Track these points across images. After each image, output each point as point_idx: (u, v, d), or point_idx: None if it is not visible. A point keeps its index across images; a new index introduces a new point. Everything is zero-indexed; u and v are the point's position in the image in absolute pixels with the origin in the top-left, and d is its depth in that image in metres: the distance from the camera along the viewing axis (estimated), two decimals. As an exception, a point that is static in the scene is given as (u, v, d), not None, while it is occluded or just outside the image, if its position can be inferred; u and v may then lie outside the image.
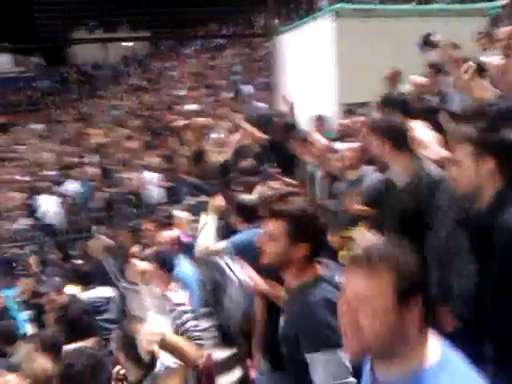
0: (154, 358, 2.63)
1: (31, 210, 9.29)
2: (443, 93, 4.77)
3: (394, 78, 5.66)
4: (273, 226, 1.89)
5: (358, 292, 1.19)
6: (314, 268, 1.92)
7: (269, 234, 1.89)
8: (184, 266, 4.32)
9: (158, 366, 2.65)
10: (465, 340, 1.95)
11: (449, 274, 2.41)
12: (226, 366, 4.36)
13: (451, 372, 1.15)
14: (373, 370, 1.28)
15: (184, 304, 3.70)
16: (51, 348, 3.00)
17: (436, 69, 4.90)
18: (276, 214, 1.89)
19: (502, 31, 4.61)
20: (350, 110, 6.16)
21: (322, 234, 1.99)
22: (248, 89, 9.20)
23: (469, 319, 2.27)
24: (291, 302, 1.93)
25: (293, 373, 1.93)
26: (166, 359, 2.72)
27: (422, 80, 4.76)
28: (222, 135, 8.68)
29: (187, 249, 4.80)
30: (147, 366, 2.62)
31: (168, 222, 5.16)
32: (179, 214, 5.72)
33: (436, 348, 1.20)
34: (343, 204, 3.70)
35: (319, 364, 1.73)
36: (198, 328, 3.57)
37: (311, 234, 1.90)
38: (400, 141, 2.86)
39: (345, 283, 1.24)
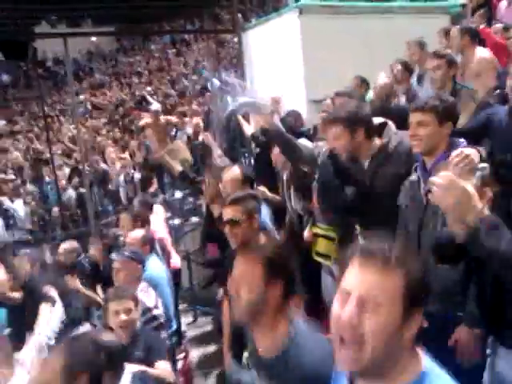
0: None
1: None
2: (411, 90, 4.90)
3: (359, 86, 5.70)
4: (245, 272, 1.74)
5: (367, 293, 1.09)
6: (288, 319, 1.76)
7: (241, 281, 1.74)
8: (154, 266, 4.28)
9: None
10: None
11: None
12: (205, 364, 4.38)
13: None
14: None
15: (156, 307, 3.67)
16: None
17: (404, 66, 5.01)
18: (250, 257, 1.77)
19: (452, 31, 5.02)
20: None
21: (294, 270, 1.83)
22: (217, 83, 9.17)
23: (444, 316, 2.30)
24: (278, 368, 1.69)
25: None
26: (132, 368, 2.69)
27: (384, 81, 4.85)
28: (190, 132, 8.62)
29: (157, 247, 4.78)
30: None
31: (145, 217, 5.14)
32: (157, 208, 5.66)
33: (421, 361, 1.16)
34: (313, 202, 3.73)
35: None
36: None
37: (285, 270, 1.79)
38: (371, 129, 2.93)
39: (350, 282, 1.14)
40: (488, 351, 2.11)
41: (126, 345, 2.98)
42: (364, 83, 5.38)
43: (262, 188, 4.77)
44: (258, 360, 1.81)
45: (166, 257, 4.98)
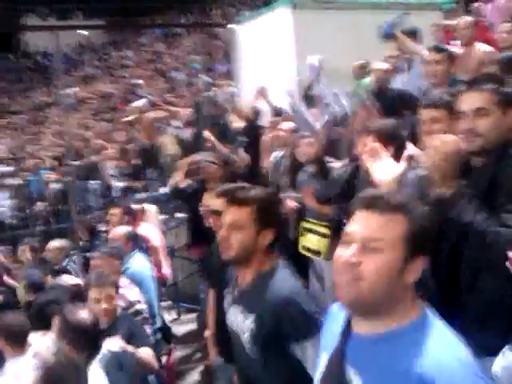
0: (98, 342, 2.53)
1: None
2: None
3: (361, 69, 5.72)
4: (238, 215, 1.80)
5: (369, 238, 1.12)
6: (274, 257, 1.87)
7: (233, 224, 1.80)
8: (138, 262, 4.20)
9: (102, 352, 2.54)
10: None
11: None
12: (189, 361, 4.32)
13: (434, 329, 1.13)
14: (349, 327, 1.22)
15: (139, 302, 3.61)
16: None
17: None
18: (242, 201, 1.82)
19: (462, 21, 4.76)
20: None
21: (284, 218, 1.96)
22: (207, 78, 9.10)
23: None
24: (254, 293, 1.81)
25: (279, 369, 1.78)
26: (111, 345, 2.62)
27: (385, 66, 4.83)
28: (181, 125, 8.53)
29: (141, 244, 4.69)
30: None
31: (133, 212, 5.07)
32: (148, 207, 5.58)
33: (420, 308, 1.18)
34: (302, 196, 3.69)
35: (312, 351, 1.64)
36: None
37: (276, 216, 1.90)
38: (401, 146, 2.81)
39: (354, 226, 1.17)
40: None
41: (105, 328, 2.92)
42: (364, 68, 5.48)
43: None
44: (237, 294, 1.91)
45: (156, 266, 4.86)
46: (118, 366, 2.58)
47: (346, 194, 3.10)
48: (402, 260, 1.12)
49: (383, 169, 2.00)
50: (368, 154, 2.07)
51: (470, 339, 1.80)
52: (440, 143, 1.91)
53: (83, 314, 2.44)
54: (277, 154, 4.95)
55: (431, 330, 1.13)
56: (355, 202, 1.21)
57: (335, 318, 1.32)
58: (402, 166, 2.05)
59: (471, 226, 1.71)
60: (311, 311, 1.72)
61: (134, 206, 5.42)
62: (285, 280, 1.80)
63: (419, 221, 1.15)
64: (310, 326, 1.68)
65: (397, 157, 2.69)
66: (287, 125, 5.00)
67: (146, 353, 3.02)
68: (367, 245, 1.12)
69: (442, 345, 1.10)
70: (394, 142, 2.58)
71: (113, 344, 2.65)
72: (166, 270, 5.23)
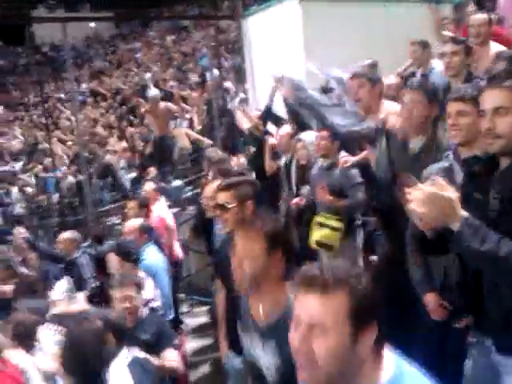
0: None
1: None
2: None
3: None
4: (249, 244, 1.86)
5: (312, 318, 1.12)
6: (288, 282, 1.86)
7: (243, 254, 1.86)
8: (151, 254, 4.27)
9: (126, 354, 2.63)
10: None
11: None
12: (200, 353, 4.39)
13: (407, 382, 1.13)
14: None
15: (152, 300, 3.69)
16: None
17: (423, 45, 5.02)
18: (250, 231, 1.89)
19: (473, 18, 4.60)
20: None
21: (293, 241, 2.03)
22: (216, 72, 9.11)
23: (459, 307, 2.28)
24: (281, 329, 1.72)
25: None
26: (135, 351, 2.70)
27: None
28: (194, 118, 8.57)
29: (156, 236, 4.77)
30: None
31: (147, 201, 5.15)
32: (148, 186, 5.61)
33: (390, 363, 1.16)
34: (315, 193, 3.73)
35: None
36: None
37: (286, 241, 1.94)
38: None
39: (298, 309, 1.16)
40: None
41: (131, 328, 3.04)
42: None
43: None
44: (255, 327, 1.93)
45: (168, 246, 4.96)
46: (141, 367, 2.65)
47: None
48: (352, 335, 1.10)
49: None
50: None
51: (494, 340, 1.89)
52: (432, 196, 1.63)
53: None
54: (283, 159, 5.03)
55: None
56: (295, 282, 1.19)
57: None
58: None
59: (483, 254, 1.65)
60: None
61: (146, 188, 5.50)
62: None
63: (360, 292, 1.12)
64: None
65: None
66: (284, 130, 5.05)
67: (172, 357, 3.14)
68: (313, 327, 1.11)
69: None
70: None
71: (136, 352, 2.72)
72: (178, 250, 5.35)
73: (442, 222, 1.60)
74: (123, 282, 3.22)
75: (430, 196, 1.57)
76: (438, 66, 4.94)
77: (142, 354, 2.73)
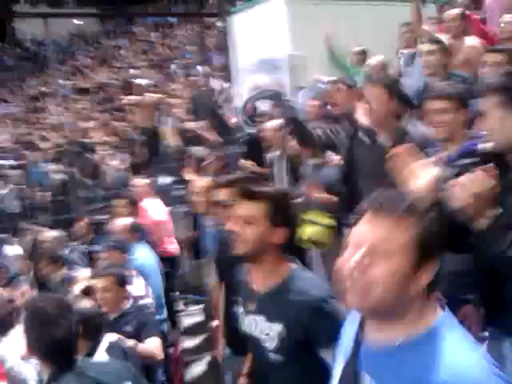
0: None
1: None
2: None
3: (361, 56, 5.73)
4: (250, 209, 1.79)
5: (378, 244, 1.09)
6: (288, 259, 1.86)
7: (245, 219, 1.79)
8: (142, 253, 4.27)
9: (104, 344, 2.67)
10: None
11: None
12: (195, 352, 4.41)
13: (450, 335, 1.11)
14: (361, 335, 1.20)
15: (143, 296, 3.69)
16: None
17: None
18: (255, 196, 1.80)
19: (447, 14, 4.79)
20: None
21: (296, 218, 1.93)
22: (201, 68, 9.07)
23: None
24: (278, 300, 1.78)
25: (305, 375, 1.78)
26: (110, 337, 2.74)
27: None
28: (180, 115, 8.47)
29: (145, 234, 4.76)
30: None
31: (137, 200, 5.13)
32: (140, 181, 5.56)
33: (435, 313, 1.15)
34: (305, 190, 3.73)
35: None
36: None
37: (289, 216, 1.87)
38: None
39: (362, 234, 1.13)
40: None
41: (114, 320, 3.06)
42: (364, 55, 5.57)
43: (249, 162, 4.83)
44: (255, 297, 1.87)
45: (159, 242, 4.96)
46: (122, 354, 2.67)
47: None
48: (413, 265, 1.09)
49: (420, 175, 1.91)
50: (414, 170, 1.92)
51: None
52: (468, 182, 1.77)
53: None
54: (270, 155, 4.98)
55: (448, 336, 1.10)
56: (365, 203, 1.17)
57: (352, 321, 1.28)
58: (435, 170, 1.96)
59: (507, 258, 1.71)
60: (340, 313, 1.66)
61: (137, 182, 5.48)
62: (310, 284, 1.79)
63: (429, 225, 1.12)
64: (339, 330, 1.61)
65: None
66: (271, 124, 5.00)
67: (153, 344, 3.10)
68: (377, 249, 1.09)
69: (460, 351, 1.08)
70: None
71: (112, 336, 2.75)
72: (171, 246, 5.32)
73: (478, 205, 1.68)
74: (101, 272, 3.22)
75: (474, 182, 1.68)
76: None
77: (115, 337, 2.74)
